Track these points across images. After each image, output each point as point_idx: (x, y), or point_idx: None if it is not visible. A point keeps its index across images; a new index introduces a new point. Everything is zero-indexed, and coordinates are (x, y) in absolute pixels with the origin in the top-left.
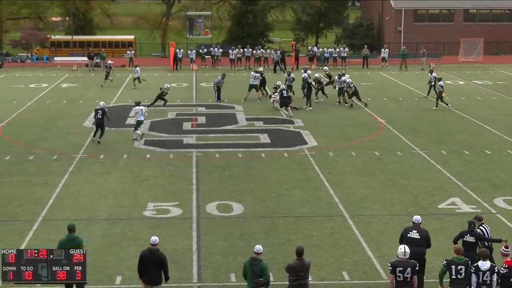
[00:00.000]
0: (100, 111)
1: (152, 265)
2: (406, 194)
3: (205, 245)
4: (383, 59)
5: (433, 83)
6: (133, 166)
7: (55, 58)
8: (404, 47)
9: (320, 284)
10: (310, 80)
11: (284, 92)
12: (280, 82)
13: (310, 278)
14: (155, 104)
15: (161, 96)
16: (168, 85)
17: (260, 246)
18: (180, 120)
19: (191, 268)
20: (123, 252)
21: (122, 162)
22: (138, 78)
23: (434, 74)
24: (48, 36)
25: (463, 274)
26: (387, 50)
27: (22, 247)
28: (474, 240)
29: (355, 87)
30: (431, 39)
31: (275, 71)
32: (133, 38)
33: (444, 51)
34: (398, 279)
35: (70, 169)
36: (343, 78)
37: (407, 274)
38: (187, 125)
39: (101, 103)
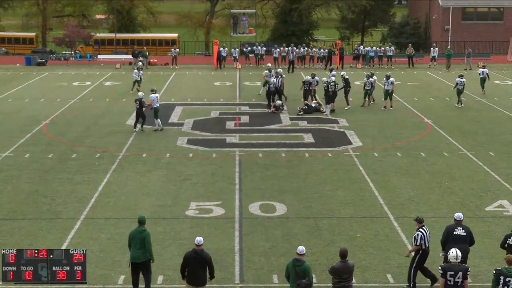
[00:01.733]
0: (138, 101)
1: (198, 265)
2: (452, 196)
3: (248, 246)
4: (433, 58)
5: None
6: (175, 165)
7: (99, 56)
8: (449, 47)
9: (364, 286)
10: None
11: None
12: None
13: (354, 281)
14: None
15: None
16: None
17: (303, 247)
18: (223, 119)
19: (233, 269)
20: (165, 252)
21: (165, 160)
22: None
23: (486, 69)
24: (92, 34)
25: (510, 286)
26: (436, 49)
27: (65, 245)
28: None
29: (337, 85)
30: (480, 38)
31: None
32: (177, 36)
33: (492, 50)
34: (449, 283)
35: (113, 167)
36: (391, 79)
37: (458, 278)
38: (230, 124)
39: (140, 93)
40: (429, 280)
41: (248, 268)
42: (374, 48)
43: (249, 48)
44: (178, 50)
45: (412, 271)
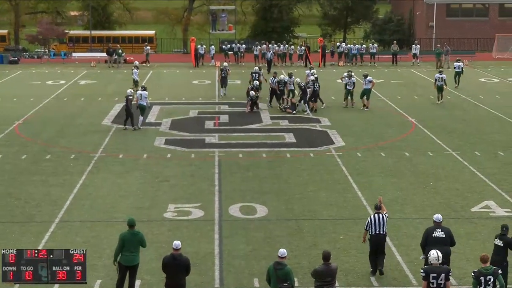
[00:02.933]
0: (125, 99)
1: (176, 270)
2: (438, 196)
3: (228, 249)
4: (414, 55)
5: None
6: (153, 166)
7: (73, 54)
8: (438, 45)
9: None
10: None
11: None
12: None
13: (337, 284)
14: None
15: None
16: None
17: (285, 250)
18: (202, 119)
19: (213, 273)
20: (143, 255)
21: (142, 161)
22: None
23: (461, 63)
24: (66, 31)
25: (491, 285)
26: (418, 46)
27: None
28: (502, 245)
29: (305, 87)
30: (465, 35)
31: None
32: (154, 33)
33: (478, 48)
34: (432, 286)
35: (89, 168)
36: (368, 77)
37: (441, 280)
38: (209, 124)
39: (128, 90)
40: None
41: (228, 272)
42: (357, 45)
43: (229, 46)
44: (149, 47)
45: (368, 257)
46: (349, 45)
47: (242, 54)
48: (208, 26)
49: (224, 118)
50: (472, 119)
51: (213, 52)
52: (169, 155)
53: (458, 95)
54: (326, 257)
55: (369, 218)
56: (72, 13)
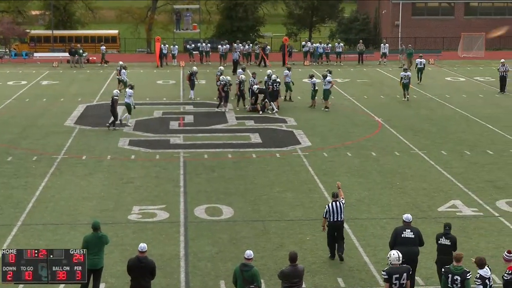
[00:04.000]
0: (111, 99)
1: (141, 273)
2: (404, 196)
3: (193, 251)
4: (384, 54)
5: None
6: (117, 168)
7: (35, 54)
8: (410, 45)
9: None
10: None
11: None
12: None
13: (304, 285)
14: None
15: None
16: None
17: (251, 252)
18: (167, 119)
19: (179, 275)
20: (108, 258)
21: (106, 163)
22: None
23: (423, 60)
24: (28, 31)
25: (459, 285)
26: (387, 45)
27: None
28: (449, 243)
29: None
30: (430, 34)
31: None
32: (117, 33)
33: (443, 46)
34: (394, 287)
35: (51, 170)
36: (328, 78)
37: (403, 280)
38: (174, 124)
39: (115, 91)
40: None
41: (194, 274)
42: (323, 44)
43: (193, 45)
44: (105, 47)
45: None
46: (314, 44)
47: (207, 54)
48: (172, 25)
49: (189, 118)
50: (439, 118)
51: (175, 52)
52: (133, 156)
53: (424, 94)
54: (293, 258)
55: (327, 206)
56: (34, 13)
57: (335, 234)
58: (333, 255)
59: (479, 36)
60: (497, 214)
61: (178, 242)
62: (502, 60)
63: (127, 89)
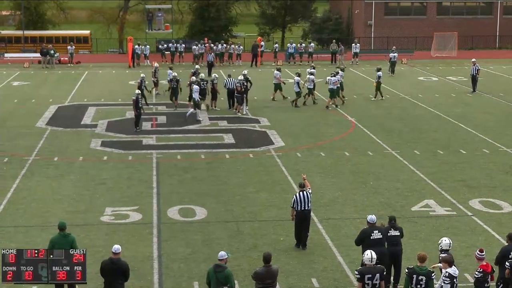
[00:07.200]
0: (135, 99)
1: (114, 275)
2: (378, 196)
3: (167, 252)
4: (355, 54)
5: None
6: (89, 169)
7: (6, 55)
8: (394, 46)
9: None
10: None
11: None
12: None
13: (278, 286)
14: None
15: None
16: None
17: (224, 252)
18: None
19: (152, 276)
20: None
21: (78, 164)
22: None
23: (396, 54)
24: None
25: (423, 285)
26: (358, 45)
27: None
28: (399, 234)
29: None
30: (403, 33)
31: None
32: (89, 33)
33: (416, 46)
34: (367, 287)
35: (22, 172)
36: (334, 78)
37: (376, 280)
38: (146, 125)
39: (136, 91)
40: None
41: (168, 275)
42: (294, 44)
43: (165, 45)
44: (74, 47)
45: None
46: (293, 44)
47: (181, 54)
48: (145, 25)
49: (162, 119)
50: (411, 118)
51: (147, 52)
52: (105, 158)
53: (397, 94)
54: (267, 259)
55: (294, 196)
56: (3, 13)
57: (302, 223)
58: (299, 244)
59: (452, 36)
60: (470, 214)
61: (151, 244)
62: (473, 60)
63: (194, 85)
